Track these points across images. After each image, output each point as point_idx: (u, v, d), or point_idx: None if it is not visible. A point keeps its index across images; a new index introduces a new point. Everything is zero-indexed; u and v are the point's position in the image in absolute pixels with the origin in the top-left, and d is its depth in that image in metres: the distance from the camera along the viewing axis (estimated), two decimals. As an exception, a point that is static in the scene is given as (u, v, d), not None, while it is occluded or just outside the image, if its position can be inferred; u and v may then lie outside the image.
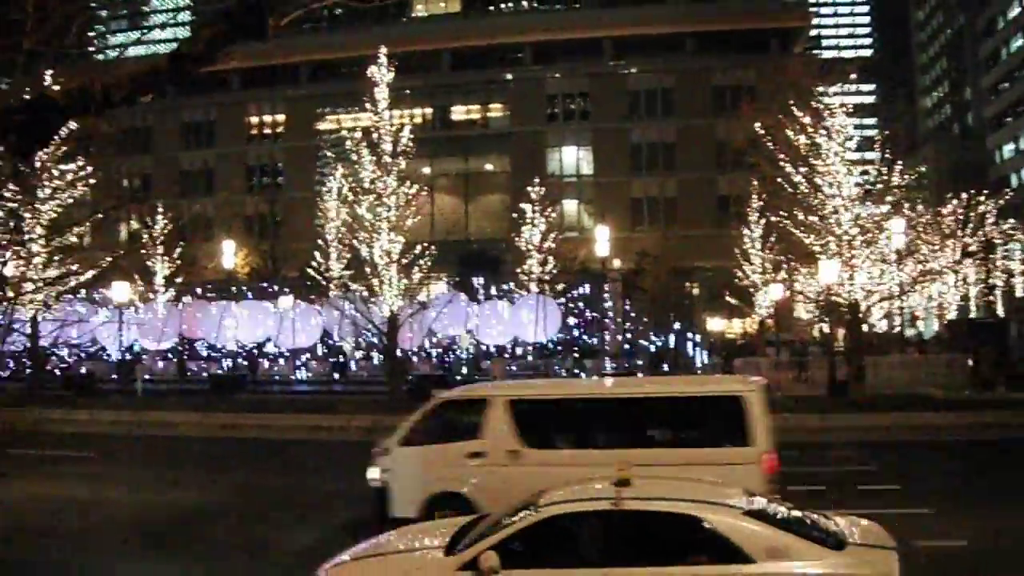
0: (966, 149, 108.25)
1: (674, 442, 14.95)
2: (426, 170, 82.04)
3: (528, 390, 18.31)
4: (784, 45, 75.84)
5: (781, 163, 34.92)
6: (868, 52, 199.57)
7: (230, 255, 61.09)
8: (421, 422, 16.25)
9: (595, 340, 56.71)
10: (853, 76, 35.83)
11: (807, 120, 34.17)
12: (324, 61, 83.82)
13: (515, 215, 59.31)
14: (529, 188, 58.13)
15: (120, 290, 44.94)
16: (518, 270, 57.80)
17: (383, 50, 38.80)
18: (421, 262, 37.46)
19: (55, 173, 39.60)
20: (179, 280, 60.26)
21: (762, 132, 37.24)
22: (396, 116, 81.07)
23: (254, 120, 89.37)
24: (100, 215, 40.59)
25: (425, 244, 38.12)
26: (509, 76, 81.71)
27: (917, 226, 65.77)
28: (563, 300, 54.96)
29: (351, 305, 40.31)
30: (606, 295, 64.71)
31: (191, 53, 7.66)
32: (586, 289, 57.95)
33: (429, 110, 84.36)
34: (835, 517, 9.79)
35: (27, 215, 39.32)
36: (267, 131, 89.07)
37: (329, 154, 39.19)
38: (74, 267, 40.50)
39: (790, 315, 61.44)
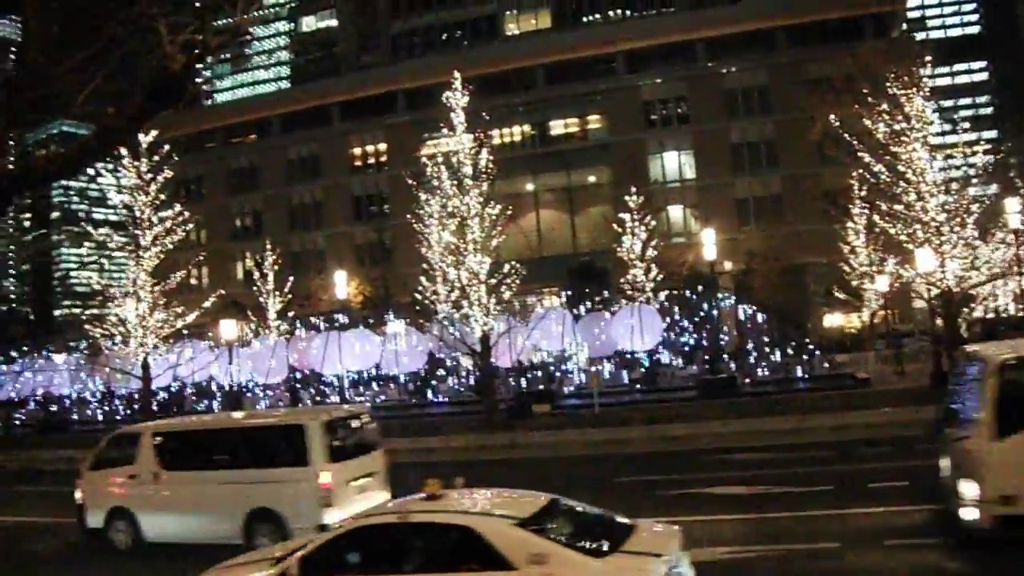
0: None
1: (256, 463, 17.76)
2: (529, 187, 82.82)
3: (165, 426, 21.15)
4: (880, 31, 74.45)
5: (860, 153, 34.43)
6: (975, 29, 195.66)
7: (342, 285, 62.12)
8: (103, 451, 19.93)
9: (704, 343, 56.39)
10: (928, 58, 34.43)
11: (884, 107, 33.54)
12: (421, 87, 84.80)
13: (614, 225, 59.09)
14: (627, 197, 57.94)
15: (227, 328, 46.20)
16: (621, 280, 57.61)
17: (457, 75, 38.95)
18: (508, 280, 37.46)
19: (155, 221, 40.60)
20: (291, 313, 61.72)
21: (836, 123, 36.77)
22: (497, 135, 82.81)
23: (357, 151, 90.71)
24: (202, 256, 40.90)
25: (515, 263, 38.10)
26: (604, 86, 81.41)
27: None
28: (666, 305, 54.44)
29: (445, 327, 40.67)
30: (720, 297, 64.35)
31: (116, 127, 8.06)
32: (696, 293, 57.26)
33: (528, 127, 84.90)
34: (639, 523, 10.65)
35: (131, 263, 40.73)
36: (370, 160, 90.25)
37: (416, 181, 39.40)
38: (179, 310, 41.92)
39: (908, 306, 60.32)
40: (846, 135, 35.77)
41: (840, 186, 38.08)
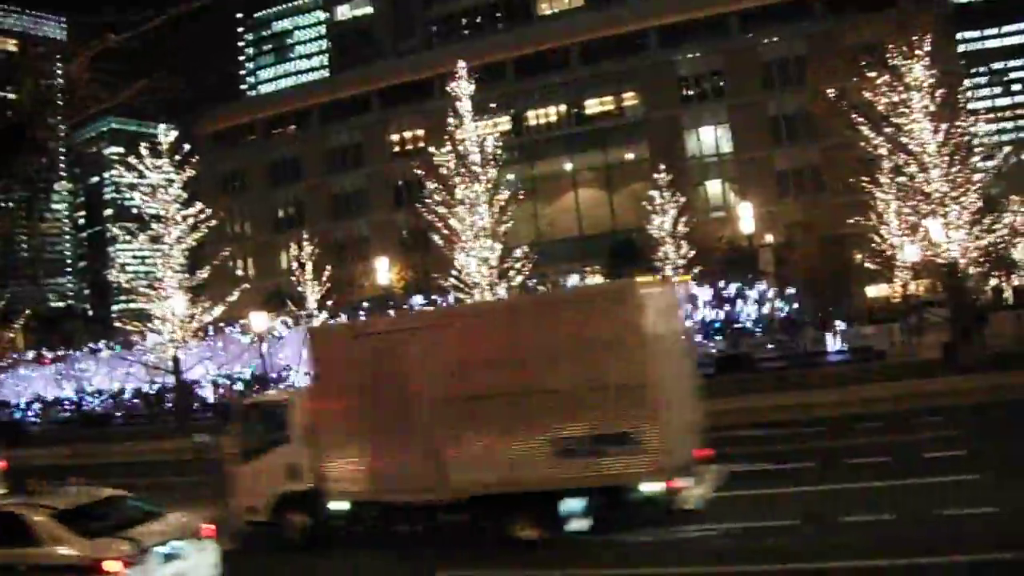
0: None
1: None
2: (568, 166, 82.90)
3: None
4: (916, -3, 73.62)
5: (858, 126, 34.30)
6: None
7: (384, 271, 62.69)
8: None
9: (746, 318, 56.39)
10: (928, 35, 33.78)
11: (886, 78, 33.29)
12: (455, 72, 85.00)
13: (643, 202, 59.12)
14: (655, 175, 57.94)
15: (258, 320, 46.63)
16: (652, 257, 57.59)
17: (461, 64, 39.37)
18: (519, 265, 37.75)
19: (178, 219, 41.36)
20: (330, 302, 62.28)
21: (834, 95, 36.57)
22: (533, 115, 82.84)
23: (395, 138, 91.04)
24: (227, 252, 41.82)
25: (527, 247, 38.42)
26: (638, 63, 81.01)
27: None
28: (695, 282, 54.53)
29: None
30: (761, 270, 64.13)
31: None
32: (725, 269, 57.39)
33: (564, 107, 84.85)
34: (169, 515, 14.27)
35: (158, 261, 41.42)
36: (408, 147, 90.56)
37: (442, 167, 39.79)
38: (207, 304, 42.61)
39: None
40: (843, 105, 35.69)
41: (868, 156, 37.59)
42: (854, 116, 34.92)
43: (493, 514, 15.66)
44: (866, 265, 56.54)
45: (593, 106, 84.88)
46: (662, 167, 58.24)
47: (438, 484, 15.79)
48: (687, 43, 79.74)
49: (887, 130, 33.95)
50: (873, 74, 33.88)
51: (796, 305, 60.25)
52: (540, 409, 15.00)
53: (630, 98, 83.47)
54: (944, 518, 14.07)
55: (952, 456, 18.27)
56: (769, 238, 64.13)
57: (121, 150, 75.07)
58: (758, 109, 77.00)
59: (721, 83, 79.98)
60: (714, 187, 78.97)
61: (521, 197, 41.38)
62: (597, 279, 70.70)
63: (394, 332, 17.66)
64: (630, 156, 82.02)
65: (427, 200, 40.89)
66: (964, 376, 28.29)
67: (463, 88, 39.48)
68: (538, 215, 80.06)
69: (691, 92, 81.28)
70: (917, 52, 33.00)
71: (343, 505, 16.83)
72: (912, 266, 47.95)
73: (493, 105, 40.02)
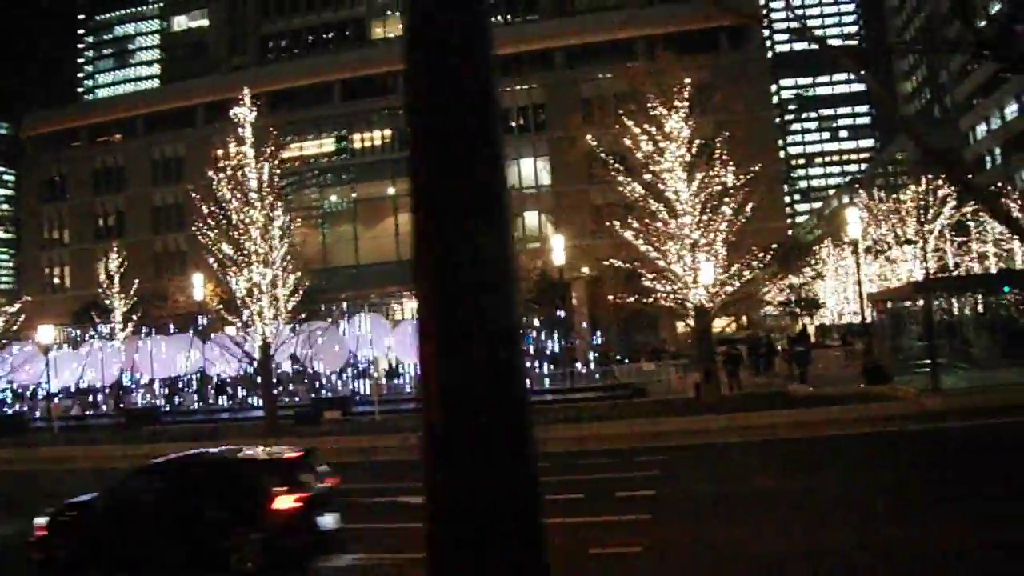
0: (940, 133, 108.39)
1: None
2: (390, 190, 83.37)
3: None
4: (735, 43, 76.30)
5: (614, 172, 35.80)
6: (855, 41, 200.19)
7: (199, 287, 62.15)
8: None
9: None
10: (688, 81, 35.36)
11: (645, 127, 34.84)
12: (285, 89, 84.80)
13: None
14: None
15: (44, 332, 46.19)
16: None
17: (246, 91, 39.53)
18: (295, 296, 38.21)
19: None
20: (135, 316, 61.50)
21: (594, 143, 37.95)
22: (358, 139, 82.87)
23: (220, 152, 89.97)
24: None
25: (299, 275, 38.76)
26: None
27: (874, 213, 66.93)
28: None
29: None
30: (575, 302, 65.60)
31: None
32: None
33: (388, 131, 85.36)
34: None
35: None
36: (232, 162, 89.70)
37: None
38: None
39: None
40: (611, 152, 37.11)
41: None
42: (612, 162, 36.32)
43: None
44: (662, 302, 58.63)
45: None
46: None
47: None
48: (511, 76, 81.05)
49: (646, 177, 35.35)
50: (631, 123, 35.35)
51: (598, 339, 61.65)
52: None
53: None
54: (588, 556, 14.60)
55: (640, 495, 18.99)
56: (585, 270, 65.62)
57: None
58: (577, 143, 78.38)
59: (543, 116, 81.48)
60: (531, 219, 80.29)
61: (297, 224, 41.27)
62: (413, 303, 71.24)
63: None
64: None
65: (197, 224, 40.83)
66: (702, 416, 29.37)
67: (244, 114, 39.49)
68: (358, 238, 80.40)
69: (513, 124, 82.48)
70: (676, 103, 34.50)
71: None
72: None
73: (274, 132, 39.82)
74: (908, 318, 36.37)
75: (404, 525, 16.62)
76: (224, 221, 38.46)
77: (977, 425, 22.68)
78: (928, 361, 30.93)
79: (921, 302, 33.80)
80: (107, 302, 61.37)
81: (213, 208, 39.73)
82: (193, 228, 42.49)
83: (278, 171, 39.02)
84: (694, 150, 34.97)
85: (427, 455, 4.15)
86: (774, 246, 35.95)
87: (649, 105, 35.04)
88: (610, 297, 43.60)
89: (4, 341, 50.57)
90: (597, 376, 48.26)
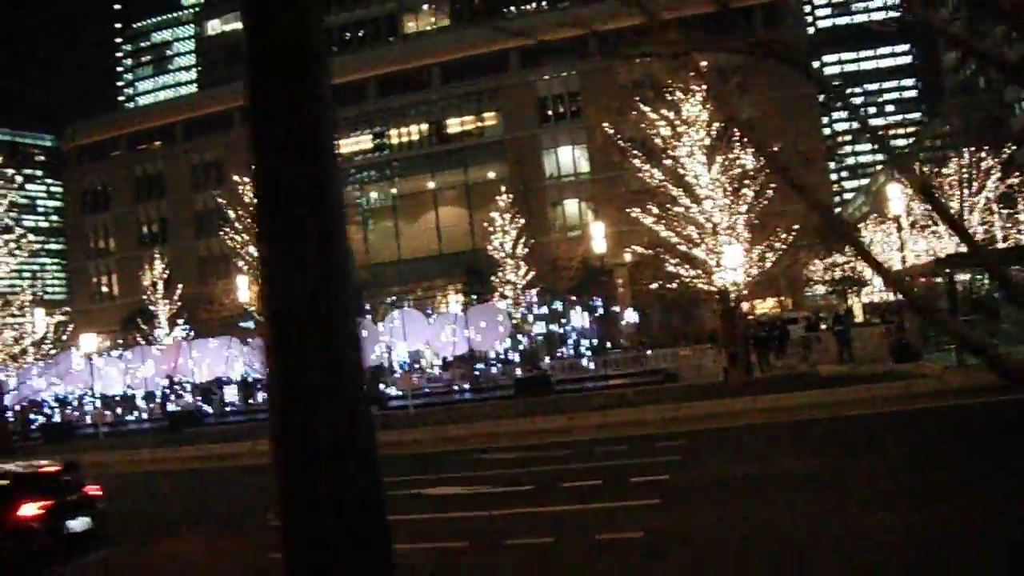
0: (986, 103, 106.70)
1: None
2: (430, 184, 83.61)
3: None
4: (770, 19, 75.53)
5: (633, 158, 35.61)
6: (896, 13, 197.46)
7: (244, 289, 62.71)
8: None
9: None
10: (704, 64, 35.18)
11: (662, 113, 34.66)
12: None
13: (484, 223, 60.09)
14: (497, 197, 58.97)
15: (87, 341, 46.88)
16: (492, 278, 58.52)
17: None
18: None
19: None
20: (180, 320, 62.33)
21: (611, 130, 37.73)
22: (395, 134, 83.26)
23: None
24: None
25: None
26: (498, 83, 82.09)
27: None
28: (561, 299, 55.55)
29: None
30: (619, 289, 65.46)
31: None
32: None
33: (425, 125, 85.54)
34: None
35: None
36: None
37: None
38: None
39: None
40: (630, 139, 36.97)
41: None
42: (630, 148, 36.18)
43: None
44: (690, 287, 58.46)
45: (454, 125, 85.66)
46: (503, 189, 59.23)
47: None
48: (547, 64, 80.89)
49: (665, 162, 35.18)
50: (647, 109, 35.20)
51: (626, 323, 61.43)
52: None
53: (490, 118, 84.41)
54: (594, 542, 14.54)
55: (654, 480, 18.84)
56: (627, 257, 65.38)
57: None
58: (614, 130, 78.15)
59: (579, 104, 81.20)
60: (571, 206, 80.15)
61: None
62: (460, 297, 71.57)
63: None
64: (491, 175, 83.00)
65: (225, 229, 40.97)
66: (726, 400, 29.19)
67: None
68: (400, 233, 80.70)
69: (550, 112, 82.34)
70: (693, 88, 34.31)
71: None
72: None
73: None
74: (937, 295, 35.88)
75: (414, 517, 16.73)
76: (252, 222, 38.45)
77: (1002, 401, 22.28)
78: (956, 338, 30.40)
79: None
80: (152, 308, 62.12)
81: (240, 212, 39.99)
82: (221, 232, 42.75)
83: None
84: (713, 133, 34.77)
85: (272, 458, 4.31)
86: (795, 227, 35.44)
87: (678, 88, 34.85)
88: (643, 283, 43.32)
89: (53, 350, 51.21)
90: (643, 361, 48.03)
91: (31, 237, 45.02)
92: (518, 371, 47.63)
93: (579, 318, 57.80)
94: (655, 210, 35.37)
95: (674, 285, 36.57)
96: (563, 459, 23.27)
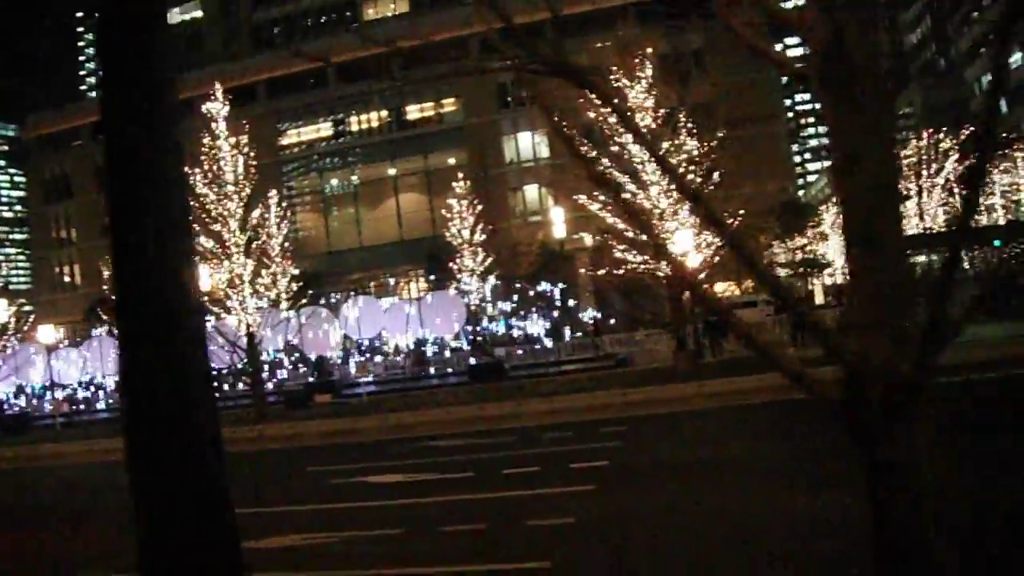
0: (945, 85, 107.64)
1: None
2: (391, 171, 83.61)
3: None
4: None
5: (581, 145, 35.84)
6: None
7: (205, 278, 62.71)
8: None
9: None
10: (649, 50, 35.75)
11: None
12: (281, 76, 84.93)
13: (442, 211, 60.31)
14: (454, 184, 59.16)
15: (45, 332, 46.87)
16: (451, 265, 58.70)
17: (218, 87, 39.69)
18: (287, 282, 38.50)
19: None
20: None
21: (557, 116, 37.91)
22: (355, 121, 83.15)
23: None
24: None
25: (281, 266, 39.29)
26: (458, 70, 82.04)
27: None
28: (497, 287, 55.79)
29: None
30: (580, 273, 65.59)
31: None
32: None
33: (385, 112, 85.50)
34: None
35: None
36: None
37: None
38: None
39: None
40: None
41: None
42: (577, 135, 36.40)
43: None
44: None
45: (414, 112, 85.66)
46: (462, 176, 59.41)
47: None
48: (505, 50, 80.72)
49: (612, 149, 35.51)
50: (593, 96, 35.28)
51: (591, 311, 61.73)
52: None
53: (450, 104, 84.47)
54: (523, 527, 14.67)
55: (594, 467, 19.07)
56: (588, 241, 65.69)
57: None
58: (574, 115, 78.27)
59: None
60: (531, 192, 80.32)
61: (281, 212, 41.73)
62: (421, 283, 71.76)
63: None
64: (451, 161, 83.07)
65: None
66: (679, 384, 29.43)
67: (216, 109, 39.71)
68: (360, 220, 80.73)
69: (509, 99, 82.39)
70: (638, 74, 34.65)
71: None
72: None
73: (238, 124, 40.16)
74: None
75: (360, 504, 16.92)
76: (203, 215, 38.63)
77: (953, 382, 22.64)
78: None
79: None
80: (113, 298, 61.98)
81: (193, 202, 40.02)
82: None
83: (254, 162, 39.22)
84: (660, 119, 35.17)
85: (125, 455, 4.55)
86: (741, 212, 35.94)
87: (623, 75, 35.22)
88: (601, 268, 43.64)
89: (11, 341, 51.23)
90: (597, 347, 48.39)
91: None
92: (471, 359, 47.86)
93: (536, 308, 58.09)
94: (601, 197, 35.56)
95: (621, 271, 36.88)
96: (508, 445, 23.49)
